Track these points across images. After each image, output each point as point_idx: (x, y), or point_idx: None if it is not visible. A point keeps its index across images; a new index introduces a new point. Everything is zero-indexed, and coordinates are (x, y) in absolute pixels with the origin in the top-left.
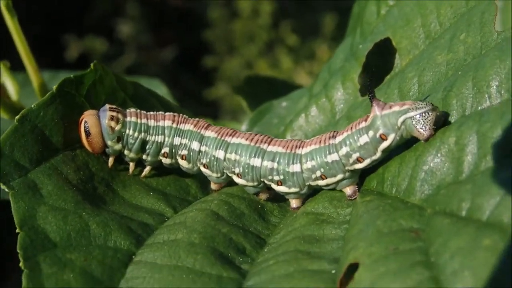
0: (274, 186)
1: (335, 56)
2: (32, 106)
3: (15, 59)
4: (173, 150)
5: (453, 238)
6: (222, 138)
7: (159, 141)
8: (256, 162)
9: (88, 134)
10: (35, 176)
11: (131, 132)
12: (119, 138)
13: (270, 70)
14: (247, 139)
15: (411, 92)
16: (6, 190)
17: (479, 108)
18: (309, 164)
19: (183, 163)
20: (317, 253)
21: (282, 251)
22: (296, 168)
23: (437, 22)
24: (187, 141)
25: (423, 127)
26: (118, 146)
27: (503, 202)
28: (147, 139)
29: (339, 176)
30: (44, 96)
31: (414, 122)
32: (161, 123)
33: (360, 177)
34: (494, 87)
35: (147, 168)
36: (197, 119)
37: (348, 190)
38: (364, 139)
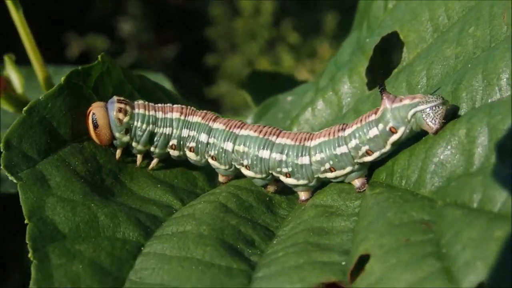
0: (282, 178)
1: (342, 50)
2: (40, 97)
3: (19, 54)
4: (181, 142)
5: (465, 229)
6: (231, 130)
7: (167, 133)
8: (264, 154)
9: (96, 126)
10: (43, 168)
11: (139, 124)
12: (127, 130)
13: (271, 68)
14: (255, 131)
15: (420, 85)
16: (15, 181)
17: (489, 100)
18: (318, 157)
19: (191, 155)
20: (327, 245)
21: (292, 243)
22: (305, 160)
23: (445, 16)
24: (195, 133)
25: (433, 121)
26: (126, 138)
27: None
28: (155, 131)
29: (348, 169)
30: (48, 89)
31: (424, 116)
32: (169, 115)
33: (369, 169)
34: (504, 79)
35: (155, 161)
36: (205, 111)
37: (357, 183)
38: (373, 132)
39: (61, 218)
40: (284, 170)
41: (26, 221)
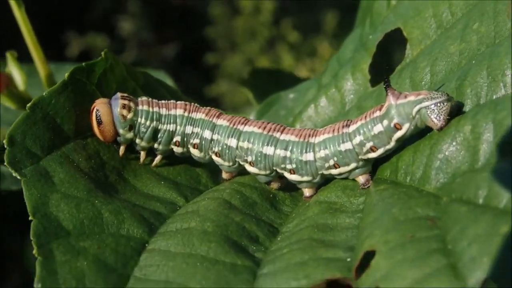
0: (286, 174)
1: (344, 47)
2: (44, 93)
3: (20, 52)
4: (185, 139)
5: (470, 225)
6: (235, 127)
7: (171, 129)
8: (269, 150)
9: (99, 122)
10: (47, 164)
11: (143, 120)
12: (131, 126)
13: (271, 67)
14: (259, 127)
15: (423, 81)
16: (19, 177)
17: (494, 97)
18: (322, 153)
19: (194, 152)
20: (332, 242)
21: (296, 239)
22: (309, 156)
23: (448, 12)
24: (199, 129)
25: (438, 117)
26: (129, 135)
27: None
28: (159, 127)
29: (352, 165)
30: (50, 86)
31: (428, 112)
32: (172, 112)
33: (373, 166)
34: (509, 76)
35: (158, 157)
36: (208, 107)
37: (361, 179)
38: (378, 128)
39: (65, 214)
40: (288, 166)
41: (30, 218)
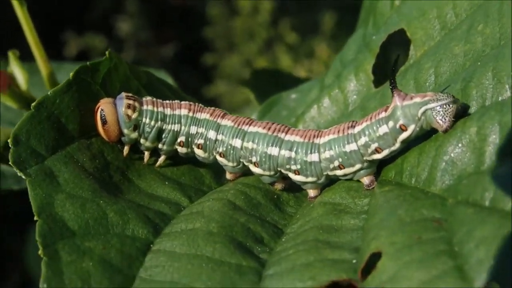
0: (291, 175)
1: (347, 48)
2: (49, 93)
3: (20, 50)
4: (189, 139)
5: (477, 227)
6: (239, 127)
7: (175, 130)
8: (273, 151)
9: (104, 122)
10: (51, 164)
11: (147, 120)
12: (136, 126)
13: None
14: (264, 128)
15: (428, 83)
16: (23, 177)
17: (500, 99)
18: (327, 154)
19: (199, 152)
20: (337, 243)
21: (301, 240)
22: (314, 157)
23: (453, 13)
24: (203, 130)
25: (443, 119)
26: (134, 135)
27: None
28: (164, 127)
29: (357, 166)
30: (52, 85)
31: (434, 113)
32: (177, 112)
33: (378, 167)
34: None
35: (162, 158)
36: (213, 108)
37: (366, 180)
38: (383, 129)
39: (71, 215)
40: (293, 167)
41: (35, 218)
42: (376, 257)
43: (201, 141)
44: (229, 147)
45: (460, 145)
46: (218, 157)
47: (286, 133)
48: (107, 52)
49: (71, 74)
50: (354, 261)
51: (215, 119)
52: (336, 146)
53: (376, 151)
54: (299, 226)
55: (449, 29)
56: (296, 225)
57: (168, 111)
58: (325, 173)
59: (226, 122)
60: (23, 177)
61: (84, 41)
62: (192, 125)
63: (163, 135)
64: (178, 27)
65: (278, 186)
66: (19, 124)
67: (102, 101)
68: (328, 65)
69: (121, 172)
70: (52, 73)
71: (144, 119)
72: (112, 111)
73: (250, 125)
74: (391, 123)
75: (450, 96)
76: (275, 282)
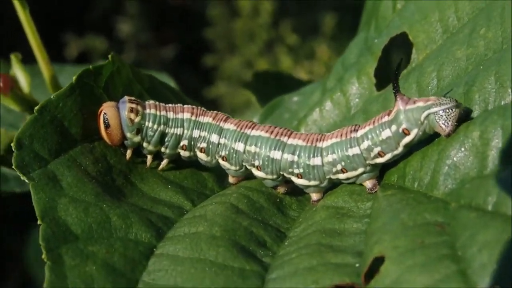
0: (294, 179)
1: (349, 51)
2: (52, 97)
3: (20, 52)
4: (192, 143)
5: (480, 231)
6: (242, 131)
7: (178, 133)
8: (276, 155)
9: (107, 126)
10: (54, 168)
11: (150, 124)
12: (138, 130)
13: (270, 69)
14: (267, 131)
15: (430, 86)
16: (27, 181)
17: (502, 103)
18: (330, 158)
19: (201, 156)
20: (340, 247)
21: (304, 244)
22: (317, 161)
23: (455, 17)
24: (206, 133)
25: (446, 123)
26: (137, 138)
27: None
28: (166, 131)
29: (360, 170)
30: (54, 88)
31: (437, 118)
32: (180, 116)
33: (380, 171)
34: None
35: (165, 161)
36: (215, 111)
37: (368, 184)
38: (386, 133)
39: (74, 219)
40: (296, 171)
41: (39, 222)
42: (379, 261)
43: (203, 144)
44: (232, 150)
45: (462, 149)
46: (220, 161)
47: (289, 136)
48: (110, 56)
49: (74, 77)
50: (357, 265)
51: (217, 123)
52: (339, 150)
53: (379, 155)
54: (301, 230)
55: (451, 32)
56: (299, 229)
57: (170, 115)
58: (327, 176)
59: (229, 125)
60: (26, 181)
61: (85, 42)
62: (195, 128)
63: (166, 139)
64: (178, 28)
65: (281, 189)
66: (22, 128)
67: (105, 104)
68: (328, 66)
69: (124, 176)
70: (54, 76)
71: (147, 123)
72: (115, 115)
73: (252, 129)
74: (394, 127)
75: (453, 101)
76: (278, 285)
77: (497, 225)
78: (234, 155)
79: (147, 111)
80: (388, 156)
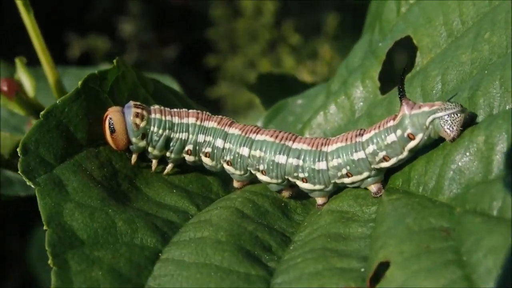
0: (299, 183)
1: (353, 54)
2: (57, 102)
3: (21, 54)
4: (197, 148)
5: (485, 237)
6: (247, 135)
7: (183, 138)
8: (281, 159)
9: (112, 131)
10: (60, 173)
11: (155, 129)
12: (144, 135)
13: (272, 69)
14: (271, 136)
15: (435, 90)
16: (32, 186)
17: (507, 107)
18: (335, 162)
19: (206, 161)
20: (345, 251)
21: (309, 248)
22: (322, 165)
23: (459, 21)
24: (211, 138)
25: (450, 128)
26: (142, 143)
27: None
28: (171, 136)
29: (365, 174)
30: (59, 92)
31: (442, 122)
32: (185, 120)
33: (385, 175)
34: None
35: (170, 166)
36: (220, 116)
37: (373, 188)
38: (391, 137)
39: (80, 224)
40: (301, 175)
41: (45, 227)
42: (384, 266)
43: (208, 149)
44: (237, 155)
45: (467, 154)
46: (225, 166)
47: (294, 141)
48: (114, 61)
49: (79, 82)
50: (362, 269)
51: (222, 128)
52: (344, 154)
53: (384, 159)
54: (306, 234)
55: (456, 36)
56: (304, 233)
57: (176, 120)
58: (332, 181)
59: (234, 130)
60: (32, 186)
61: (87, 42)
62: (200, 133)
63: (171, 144)
64: (180, 27)
65: (286, 193)
66: (28, 133)
67: (110, 109)
68: (331, 66)
69: (129, 180)
70: (59, 80)
71: (152, 128)
72: (120, 120)
73: (257, 133)
74: (399, 132)
75: (458, 105)
76: None
77: (502, 230)
78: (239, 160)
79: (153, 116)
80: (393, 161)
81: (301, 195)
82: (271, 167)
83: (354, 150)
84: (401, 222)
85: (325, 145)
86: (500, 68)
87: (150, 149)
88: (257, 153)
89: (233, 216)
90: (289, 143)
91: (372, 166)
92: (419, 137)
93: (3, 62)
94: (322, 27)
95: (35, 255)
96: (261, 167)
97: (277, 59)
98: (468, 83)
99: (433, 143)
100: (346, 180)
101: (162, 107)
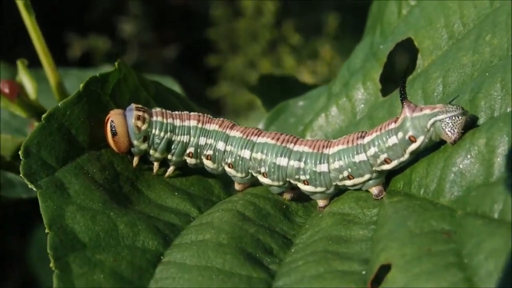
0: (300, 185)
1: (354, 56)
2: (59, 104)
3: (22, 56)
4: (198, 150)
5: (486, 239)
6: (248, 138)
7: (184, 141)
8: (282, 161)
9: (114, 133)
10: (62, 175)
11: (157, 131)
12: (145, 137)
13: (273, 69)
14: (273, 138)
15: (436, 93)
16: (34, 189)
17: (508, 110)
18: (336, 164)
19: (208, 163)
20: (346, 254)
21: (311, 251)
22: (323, 168)
23: (460, 23)
24: (212, 141)
25: (452, 130)
26: (144, 146)
27: None
28: (173, 139)
29: (366, 176)
30: (60, 94)
31: (443, 125)
32: (186, 123)
33: (386, 177)
34: None
35: (171, 168)
36: (221, 119)
37: (375, 190)
38: (393, 140)
39: (81, 227)
40: (302, 177)
41: (46, 230)
42: (385, 268)
43: (210, 152)
44: (238, 158)
45: (469, 156)
46: (227, 168)
47: (295, 143)
48: (116, 63)
49: (81, 85)
50: (363, 272)
51: (224, 130)
52: (346, 157)
53: (385, 161)
54: (308, 237)
55: (457, 38)
56: (305, 236)
57: (177, 122)
58: (334, 183)
59: (235, 133)
60: (34, 189)
61: (88, 42)
62: (201, 136)
63: (173, 146)
64: (180, 27)
65: (287, 196)
66: (30, 135)
67: (112, 112)
68: (331, 66)
69: (131, 183)
70: (60, 83)
71: (153, 131)
72: (122, 123)
73: (258, 136)
74: (400, 134)
75: (460, 108)
76: None
77: (503, 233)
78: (240, 162)
79: (154, 118)
80: (394, 163)
81: (302, 198)
82: (272, 170)
83: (355, 153)
84: (402, 225)
85: (326, 147)
86: (501, 70)
87: (151, 151)
88: (259, 155)
89: (234, 219)
90: (290, 146)
91: (374, 169)
92: (420, 140)
93: (3, 62)
94: (322, 27)
95: (35, 255)
96: (262, 170)
97: (278, 59)
98: (469, 85)
99: (434, 146)
100: (348, 183)
101: (163, 110)
